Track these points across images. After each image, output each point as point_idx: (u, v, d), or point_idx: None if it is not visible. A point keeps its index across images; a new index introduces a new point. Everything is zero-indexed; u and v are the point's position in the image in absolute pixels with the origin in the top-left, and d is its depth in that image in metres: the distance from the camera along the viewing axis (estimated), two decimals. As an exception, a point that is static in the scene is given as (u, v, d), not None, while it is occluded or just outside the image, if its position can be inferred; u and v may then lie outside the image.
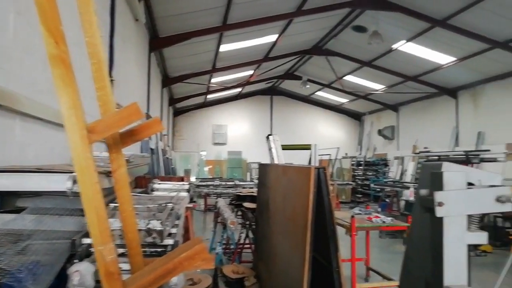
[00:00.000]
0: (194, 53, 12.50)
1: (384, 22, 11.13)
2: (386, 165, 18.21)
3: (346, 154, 20.99)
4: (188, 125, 22.69)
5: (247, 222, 6.14)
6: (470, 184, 2.12)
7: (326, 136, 23.35)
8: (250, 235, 6.17)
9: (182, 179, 6.19)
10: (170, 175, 11.32)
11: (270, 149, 5.31)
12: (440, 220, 1.94)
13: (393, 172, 17.46)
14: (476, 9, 9.55)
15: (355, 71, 16.39)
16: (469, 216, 1.98)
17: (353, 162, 18.64)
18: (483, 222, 8.86)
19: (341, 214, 5.79)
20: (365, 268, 5.96)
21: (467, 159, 10.02)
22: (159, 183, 4.44)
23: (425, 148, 15.40)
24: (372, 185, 14.96)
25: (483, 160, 10.24)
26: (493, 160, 10.20)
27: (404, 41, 12.28)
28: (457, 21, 10.37)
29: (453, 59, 12.71)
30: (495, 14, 9.63)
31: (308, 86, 18.64)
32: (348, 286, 5.08)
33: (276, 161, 5.23)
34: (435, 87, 15.60)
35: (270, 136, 5.31)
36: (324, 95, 21.98)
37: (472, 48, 11.56)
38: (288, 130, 22.97)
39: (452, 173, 1.94)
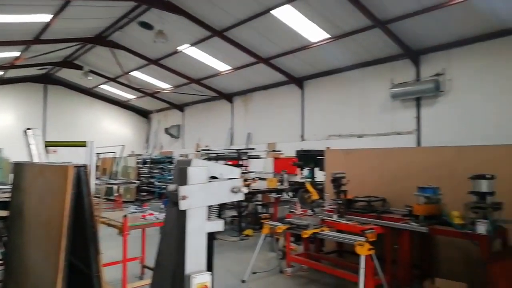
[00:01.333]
0: None
1: (170, 23, 11.47)
2: (171, 162, 18.82)
3: (133, 152, 20.52)
4: None
5: (-3, 234, 5.07)
6: (214, 178, 2.41)
7: (111, 133, 22.13)
8: (1, 248, 5.12)
9: None
10: None
11: (28, 145, 4.55)
12: (184, 212, 2.12)
13: (178, 168, 18.19)
14: (246, 27, 11.14)
15: (142, 67, 16.21)
16: (209, 207, 2.25)
17: (139, 160, 18.35)
18: (248, 209, 10.37)
19: (115, 215, 5.58)
20: (141, 267, 5.96)
21: (238, 156, 11.50)
22: None
23: (207, 146, 16.88)
24: (156, 183, 15.16)
25: (250, 157, 11.92)
26: (257, 157, 12.08)
27: (188, 45, 13.05)
28: (231, 34, 11.81)
29: (229, 67, 14.44)
30: (259, 34, 11.50)
31: (90, 78, 17.13)
32: (119, 287, 4.96)
33: (35, 160, 4.54)
34: (215, 91, 17.29)
35: (28, 130, 4.55)
36: (109, 89, 20.73)
37: (243, 60, 13.44)
38: (66, 125, 20.50)
39: (195, 168, 2.16)
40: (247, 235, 8.98)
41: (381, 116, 11.75)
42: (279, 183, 10.20)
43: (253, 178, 10.73)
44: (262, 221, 6.22)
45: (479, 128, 9.53)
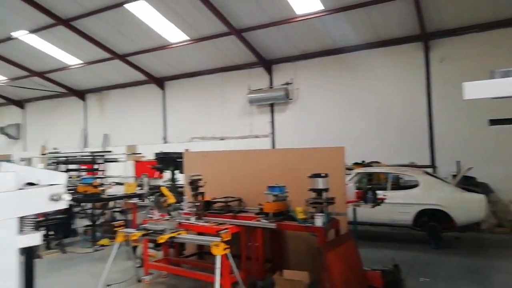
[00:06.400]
0: None
1: (1, 4, 9.63)
2: (7, 168, 15.90)
3: (-48, 156, 16.57)
4: None
5: None
6: (32, 184, 2.01)
7: None
8: None
9: None
10: None
11: None
12: (-18, 228, 1.69)
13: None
14: (97, 19, 10.18)
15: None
16: (21, 218, 1.86)
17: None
18: (104, 217, 9.46)
19: None
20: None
21: (92, 160, 10.41)
22: None
23: (55, 148, 14.79)
24: (-15, 193, 12.49)
25: (107, 160, 10.94)
26: (115, 160, 11.16)
27: (27, 31, 11.20)
28: (80, 25, 10.63)
29: (80, 61, 12.98)
30: (113, 29, 10.66)
31: None
32: None
33: None
34: (64, 87, 15.34)
35: None
36: None
37: (96, 55, 12.27)
38: None
39: (1, 174, 1.75)
40: (102, 245, 8.20)
41: (240, 120, 12.32)
42: (139, 188, 9.63)
43: (110, 183, 9.89)
44: (115, 229, 5.71)
45: (320, 132, 10.91)
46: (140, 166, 12.62)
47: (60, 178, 2.12)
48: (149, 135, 14.15)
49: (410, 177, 8.02)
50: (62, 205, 1.96)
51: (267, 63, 11.66)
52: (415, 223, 7.50)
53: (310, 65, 11.25)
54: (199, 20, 9.92)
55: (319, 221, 4.64)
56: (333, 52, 10.77)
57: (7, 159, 17.31)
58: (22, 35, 11.39)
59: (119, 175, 11.81)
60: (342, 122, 10.76)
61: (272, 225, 4.95)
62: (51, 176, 2.09)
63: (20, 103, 17.97)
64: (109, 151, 11.85)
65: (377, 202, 6.08)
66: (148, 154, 12.85)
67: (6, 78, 15.18)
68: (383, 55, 10.28)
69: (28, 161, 15.93)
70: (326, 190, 4.84)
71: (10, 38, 11.68)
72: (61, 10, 10.06)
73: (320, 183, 4.81)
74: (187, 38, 10.76)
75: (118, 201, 9.53)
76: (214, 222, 5.27)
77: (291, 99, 11.44)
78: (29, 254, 1.98)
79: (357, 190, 6.47)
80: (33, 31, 11.13)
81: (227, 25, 9.80)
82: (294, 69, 11.44)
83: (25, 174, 1.95)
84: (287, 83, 11.41)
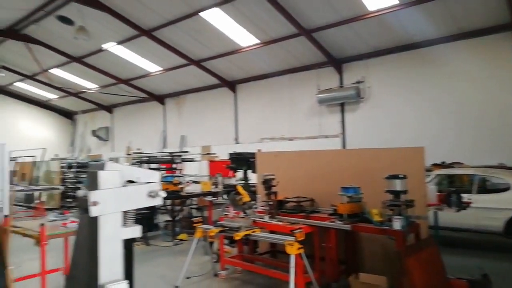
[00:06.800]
0: None
1: (92, 19, 10.78)
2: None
3: (57, 155, 18.90)
4: None
5: None
6: (131, 181, 2.26)
7: (30, 135, 20.20)
8: None
9: None
10: None
11: None
12: (96, 219, 1.95)
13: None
14: (175, 28, 10.89)
15: (63, 65, 15.03)
16: (125, 213, 2.11)
17: (63, 164, 16.95)
18: (182, 213, 10.08)
19: (31, 224, 5.05)
20: (64, 278, 5.44)
21: (171, 159, 11.15)
22: None
23: (138, 149, 16.13)
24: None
25: (184, 160, 11.63)
26: (192, 160, 11.82)
27: (115, 43, 12.38)
28: (161, 35, 11.46)
29: (160, 68, 13.99)
30: (190, 36, 11.30)
31: (2, 75, 15.48)
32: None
33: None
34: (146, 92, 16.65)
35: None
36: (26, 87, 18.90)
37: (175, 61, 13.11)
38: (-28, 127, 18.29)
39: (107, 172, 2.00)
40: (181, 240, 8.74)
41: (309, 120, 12.25)
42: (214, 186, 10.08)
43: (187, 182, 10.50)
44: (194, 225, 6.07)
45: (393, 131, 10.39)
46: (214, 166, 13.19)
47: (155, 176, 2.36)
48: (221, 136, 14.73)
49: (500, 179, 7.28)
50: (158, 201, 2.19)
51: (337, 62, 11.43)
52: (507, 230, 6.80)
53: (383, 62, 10.78)
54: (269, 24, 10.08)
55: (397, 224, 4.46)
56: (407, 48, 10.19)
57: (98, 158, 19.30)
58: (110, 46, 12.63)
59: (194, 174, 12.46)
60: (417, 121, 10.14)
61: (347, 227, 4.87)
62: (148, 175, 2.33)
63: (109, 108, 19.91)
64: (186, 152, 12.54)
65: (462, 206, 5.65)
66: (221, 154, 13.43)
67: (97, 86, 16.94)
68: (464, 48, 9.47)
69: (115, 161, 17.52)
70: (404, 192, 4.63)
71: (101, 50, 13.02)
72: (144, 22, 10.96)
73: (398, 185, 4.62)
74: (257, 41, 11.01)
75: (194, 198, 10.07)
76: (287, 222, 5.34)
77: (362, 98, 11.08)
78: (129, 245, 2.23)
79: (439, 193, 6.07)
80: (120, 42, 12.28)
81: (296, 27, 9.83)
82: (365, 67, 11.07)
83: (126, 172, 2.20)
84: (358, 82, 11.08)
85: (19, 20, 11.99)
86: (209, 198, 9.67)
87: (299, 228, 4.83)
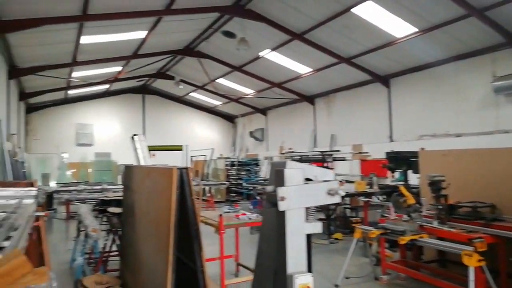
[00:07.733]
0: (49, 43, 11.09)
1: (251, 30, 11.82)
2: (257, 164, 19.36)
3: (221, 155, 21.55)
4: (45, 123, 20.02)
5: (113, 228, 5.75)
6: (309, 179, 2.41)
7: (201, 138, 23.54)
8: (118, 241, 5.79)
9: (31, 184, 5.40)
10: (20, 180, 9.83)
11: (135, 150, 5.08)
12: (283, 213, 2.16)
13: (264, 171, 18.66)
14: (325, 28, 10.97)
15: (226, 74, 16.97)
16: (307, 209, 2.26)
17: (227, 163, 19.22)
18: (336, 213, 10.13)
19: (211, 214, 5.90)
20: (235, 264, 6.19)
21: (322, 158, 11.33)
22: (-4, 191, 3.77)
23: (290, 148, 16.97)
24: (244, 184, 15.72)
25: (335, 159, 11.65)
26: (343, 159, 11.75)
27: (269, 50, 13.30)
28: (311, 36, 11.73)
29: (310, 69, 14.34)
30: (340, 34, 11.22)
31: (181, 87, 18.50)
32: (218, 283, 5.23)
33: (142, 163, 5.03)
34: (297, 94, 17.32)
35: (135, 137, 5.09)
36: (198, 96, 22.12)
37: (324, 61, 13.23)
38: (161, 131, 22.35)
39: (292, 170, 2.18)
40: (336, 239, 8.78)
41: (482, 113, 10.58)
42: (368, 186, 9.79)
43: (340, 181, 10.47)
44: (353, 225, 6.03)
45: None
46: (367, 165, 12.77)
47: (330, 175, 2.44)
48: (373, 134, 14.13)
49: None
50: (337, 199, 2.26)
51: (520, 41, 9.54)
52: None
53: None
54: (428, 8, 9.15)
55: None
56: None
57: (254, 158, 21.09)
58: (266, 53, 13.62)
59: (345, 174, 12.31)
60: None
61: (546, 240, 4.05)
62: (324, 173, 2.43)
63: (263, 111, 21.53)
64: (338, 151, 12.50)
65: None
66: (374, 153, 12.89)
67: (254, 91, 18.51)
68: None
69: (270, 160, 18.79)
70: None
71: (257, 58, 14.18)
72: (296, 26, 11.43)
73: None
74: (415, 30, 10.13)
75: (347, 198, 9.95)
76: (462, 229, 4.77)
77: (558, 82, 8.94)
78: (309, 240, 2.37)
79: None
80: (274, 48, 13.12)
81: (464, 7, 8.62)
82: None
83: (305, 171, 2.35)
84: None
85: (193, 39, 14.13)
86: (363, 198, 9.43)
87: (479, 237, 4.25)
